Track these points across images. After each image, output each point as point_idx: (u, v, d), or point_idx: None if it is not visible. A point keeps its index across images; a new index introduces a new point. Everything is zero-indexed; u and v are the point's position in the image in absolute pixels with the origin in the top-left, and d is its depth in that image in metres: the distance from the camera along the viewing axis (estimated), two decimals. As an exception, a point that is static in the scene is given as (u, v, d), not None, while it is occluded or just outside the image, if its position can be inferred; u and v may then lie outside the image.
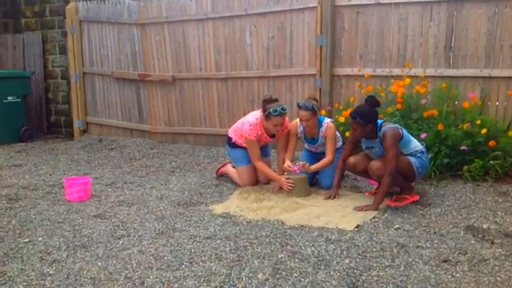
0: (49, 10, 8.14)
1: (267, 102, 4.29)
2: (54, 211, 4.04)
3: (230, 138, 4.70)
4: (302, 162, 4.33)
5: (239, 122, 4.67)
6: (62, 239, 3.39)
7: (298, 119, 4.44)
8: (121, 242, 3.30)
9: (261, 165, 4.47)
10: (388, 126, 3.88)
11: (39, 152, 6.77)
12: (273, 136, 4.51)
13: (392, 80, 5.09)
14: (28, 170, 5.66)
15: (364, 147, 4.12)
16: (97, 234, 3.48)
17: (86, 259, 3.04)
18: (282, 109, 4.24)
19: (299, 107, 4.30)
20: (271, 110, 4.22)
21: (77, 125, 7.50)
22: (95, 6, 7.15)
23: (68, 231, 3.54)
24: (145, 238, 3.37)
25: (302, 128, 4.46)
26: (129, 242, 3.30)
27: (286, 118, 4.42)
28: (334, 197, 4.17)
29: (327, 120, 4.46)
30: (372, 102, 3.92)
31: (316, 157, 4.56)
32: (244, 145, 4.56)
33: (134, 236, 3.41)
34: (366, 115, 3.88)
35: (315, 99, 4.51)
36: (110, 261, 3.00)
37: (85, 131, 7.53)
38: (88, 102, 7.49)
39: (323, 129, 4.40)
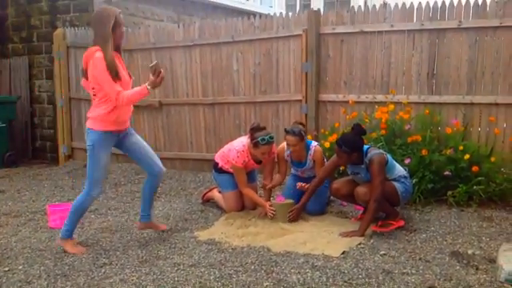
0: (36, 35, 8.16)
1: (255, 130, 4.30)
2: (35, 238, 3.97)
3: (216, 164, 4.69)
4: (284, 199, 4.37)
5: (226, 148, 4.68)
6: (42, 268, 3.33)
7: (284, 143, 4.46)
8: (103, 271, 3.24)
9: (247, 191, 4.45)
10: (374, 153, 3.91)
11: (23, 178, 6.69)
12: (259, 162, 4.52)
13: (376, 106, 5.15)
14: (11, 196, 5.57)
15: (349, 172, 4.14)
16: (78, 262, 3.41)
17: (66, 288, 2.98)
18: (270, 137, 4.27)
19: (286, 132, 4.33)
20: (259, 138, 4.22)
21: (62, 150, 7.44)
22: (83, 31, 7.19)
23: (49, 259, 3.48)
24: (127, 266, 3.31)
25: (288, 152, 4.47)
26: (111, 271, 3.24)
27: (274, 145, 4.44)
28: (295, 216, 4.18)
29: (314, 144, 4.49)
30: (358, 130, 3.96)
31: (302, 182, 4.56)
32: (230, 170, 4.55)
33: (117, 264, 3.35)
34: (352, 143, 3.91)
35: (302, 124, 4.56)
36: (91, 290, 2.94)
37: (70, 157, 7.46)
38: (74, 127, 7.44)
39: (311, 152, 4.43)
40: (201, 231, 4.06)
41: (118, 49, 3.59)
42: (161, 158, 6.52)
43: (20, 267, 3.34)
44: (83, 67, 3.51)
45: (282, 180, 4.64)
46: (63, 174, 6.75)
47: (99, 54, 3.37)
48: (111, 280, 3.08)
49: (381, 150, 4.01)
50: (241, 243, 3.72)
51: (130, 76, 3.66)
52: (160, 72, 3.42)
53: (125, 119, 3.63)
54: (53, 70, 7.60)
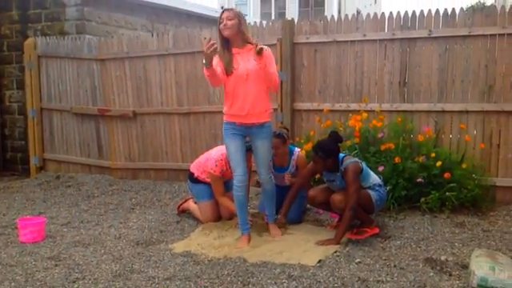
0: (6, 45, 7.98)
1: None
2: (5, 254, 3.86)
3: (192, 174, 4.65)
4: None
5: (202, 158, 4.65)
6: (13, 284, 3.24)
7: None
8: (75, 286, 3.17)
9: (224, 200, 4.42)
10: (349, 161, 3.94)
11: (-7, 190, 6.51)
12: None
13: (350, 114, 5.21)
14: (-21, 210, 5.42)
15: (325, 180, 4.16)
16: (50, 277, 3.33)
17: (37, 305, 2.90)
18: (248, 146, 4.26)
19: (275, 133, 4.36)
20: None
21: (33, 162, 7.27)
22: (54, 41, 7.07)
23: (20, 275, 3.39)
24: (101, 281, 3.25)
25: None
26: (84, 286, 3.17)
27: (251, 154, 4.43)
28: (281, 224, 4.20)
29: (298, 149, 4.54)
30: (334, 137, 4.01)
31: (280, 192, 4.56)
32: (206, 180, 4.53)
33: (90, 279, 3.28)
34: (328, 150, 3.95)
35: (286, 128, 4.62)
36: (63, 306, 2.87)
37: (42, 168, 7.30)
38: (46, 138, 7.30)
39: (294, 157, 4.47)
40: (176, 243, 4.01)
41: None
42: (135, 169, 6.62)
43: (-11, 284, 3.25)
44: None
45: None
46: (35, 186, 6.59)
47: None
48: (84, 295, 3.02)
49: (356, 159, 4.05)
50: (217, 254, 3.69)
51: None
52: (209, 41, 3.44)
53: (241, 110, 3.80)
54: (24, 80, 7.45)
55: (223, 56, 3.72)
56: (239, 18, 3.72)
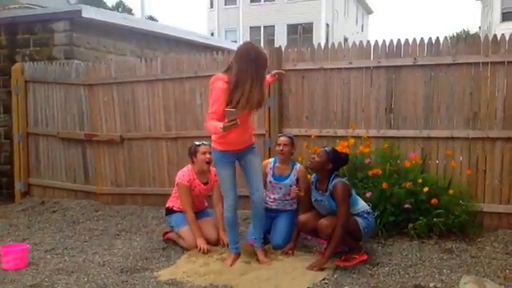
0: (-7, 69, 7.96)
1: (191, 146, 4.69)
2: (-14, 282, 3.76)
3: (167, 208, 4.74)
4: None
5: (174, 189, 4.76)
6: (-8, 314, 3.14)
7: (269, 159, 4.77)
8: (57, 315, 3.09)
9: (191, 215, 4.50)
10: (339, 180, 3.97)
11: (-25, 216, 6.37)
12: (206, 183, 4.60)
13: (337, 140, 5.23)
14: (-39, 236, 5.29)
15: (313, 200, 4.14)
16: (31, 306, 3.24)
17: (17, 336, 2.82)
18: (206, 142, 4.55)
19: (280, 136, 4.70)
20: (196, 143, 4.65)
21: (18, 187, 7.16)
22: (42, 66, 7.06)
23: (0, 304, 3.29)
24: (83, 309, 3.17)
25: (272, 164, 4.62)
26: (66, 315, 3.09)
27: (213, 169, 4.50)
28: (291, 250, 4.22)
29: (299, 164, 4.67)
30: (346, 158, 4.18)
31: (270, 219, 4.55)
32: (180, 209, 4.61)
33: (72, 308, 3.20)
34: (337, 155, 4.08)
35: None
36: (43, 337, 2.79)
37: (26, 193, 7.19)
38: (31, 162, 7.21)
39: (296, 167, 4.59)
40: (162, 270, 3.95)
41: None
42: (121, 194, 6.54)
43: (-33, 314, 3.15)
44: None
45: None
46: (19, 211, 6.48)
47: None
48: (66, 325, 2.94)
49: (345, 180, 4.07)
50: (203, 282, 3.64)
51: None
52: (235, 120, 3.44)
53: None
54: (10, 104, 7.40)
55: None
56: None
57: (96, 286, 3.62)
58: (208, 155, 4.49)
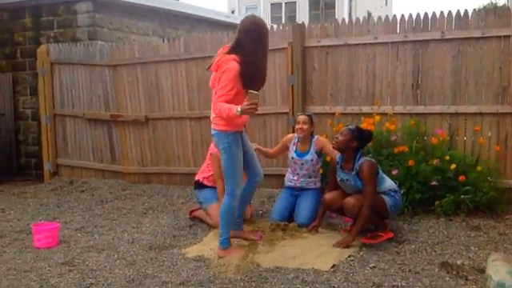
0: (20, 52, 8.09)
1: None
2: (20, 259, 3.89)
3: (197, 181, 4.71)
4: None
5: (205, 163, 4.76)
6: (27, 289, 3.25)
7: (293, 134, 4.77)
8: (89, 291, 3.18)
9: (221, 188, 4.35)
10: (365, 159, 3.94)
11: (7, 196, 6.57)
12: None
13: (362, 117, 5.17)
14: (-5, 215, 5.47)
15: (339, 179, 4.13)
16: (64, 283, 3.35)
17: (52, 311, 2.92)
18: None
19: (299, 114, 4.73)
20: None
21: (47, 167, 7.33)
22: (67, 48, 7.14)
23: (34, 281, 3.41)
24: (114, 286, 3.26)
25: (296, 139, 4.66)
26: (98, 291, 3.18)
27: None
28: (316, 227, 4.23)
29: (317, 135, 4.71)
30: (370, 135, 4.17)
31: (294, 198, 4.58)
32: (211, 184, 4.62)
33: (103, 284, 3.29)
34: (361, 132, 4.06)
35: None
36: (77, 312, 2.88)
37: (55, 173, 7.36)
38: (59, 143, 7.36)
39: (314, 139, 4.64)
40: (189, 248, 4.01)
41: None
42: (147, 174, 6.63)
43: (4, 290, 3.27)
44: None
45: (272, 155, 4.91)
46: (48, 191, 6.65)
47: None
48: (98, 301, 3.03)
49: (372, 159, 4.03)
50: (230, 259, 3.68)
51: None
52: (256, 104, 3.38)
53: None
54: (37, 86, 7.53)
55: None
56: None
57: (126, 262, 3.71)
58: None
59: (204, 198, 4.66)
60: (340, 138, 4.01)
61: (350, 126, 4.08)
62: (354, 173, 3.95)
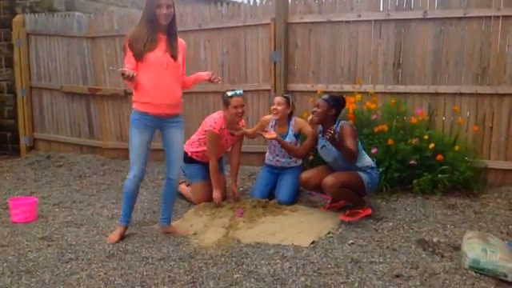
0: (-6, 21, 7.82)
1: (225, 91, 4.44)
2: (-3, 234, 3.83)
3: (185, 153, 4.61)
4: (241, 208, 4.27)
5: (195, 135, 4.67)
6: (5, 264, 3.22)
7: (270, 116, 4.65)
8: (68, 266, 3.16)
9: (215, 164, 4.41)
10: (344, 122, 4.06)
11: (-18, 170, 6.43)
12: (233, 134, 4.51)
13: (343, 96, 5.17)
14: (-31, 189, 5.36)
15: (320, 147, 4.15)
16: (43, 257, 3.32)
17: (31, 285, 2.90)
18: (239, 92, 4.37)
19: (276, 96, 4.68)
20: (228, 93, 4.34)
21: (23, 141, 7.19)
22: (43, 18, 6.93)
23: (12, 255, 3.37)
24: (94, 261, 3.24)
25: (273, 122, 4.61)
26: (77, 266, 3.16)
27: (243, 121, 4.53)
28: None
29: (295, 117, 4.66)
30: (343, 101, 4.18)
31: (275, 175, 4.60)
32: (199, 159, 4.55)
33: (83, 259, 3.27)
34: (337, 100, 4.08)
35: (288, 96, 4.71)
36: (56, 286, 2.87)
37: (32, 148, 7.22)
38: (35, 117, 7.21)
39: (292, 121, 4.58)
40: (169, 224, 4.00)
41: (165, 30, 3.46)
42: (127, 149, 6.45)
43: (-19, 265, 3.22)
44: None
45: (252, 136, 4.75)
46: (25, 165, 6.53)
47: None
48: (77, 276, 3.01)
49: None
50: (210, 235, 3.69)
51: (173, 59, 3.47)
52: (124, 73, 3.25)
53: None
54: (12, 57, 7.31)
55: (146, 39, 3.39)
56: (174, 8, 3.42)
57: (106, 238, 3.68)
58: (240, 109, 4.31)
59: (190, 173, 4.62)
60: (318, 110, 4.03)
61: (323, 97, 4.09)
62: (336, 136, 3.97)
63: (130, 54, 3.42)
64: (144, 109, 3.46)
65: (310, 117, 4.17)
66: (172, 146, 3.62)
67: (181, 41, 3.62)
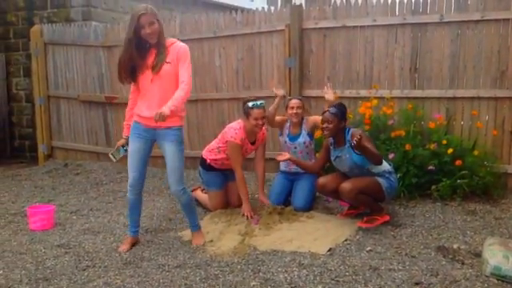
0: (13, 32, 7.96)
1: (246, 101, 4.38)
2: (15, 241, 3.87)
3: (204, 160, 4.61)
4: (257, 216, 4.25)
5: (215, 141, 4.63)
6: (23, 272, 3.25)
7: (280, 116, 4.63)
8: (86, 274, 3.17)
9: (241, 174, 4.33)
10: (354, 129, 4.04)
11: (1, 178, 6.52)
12: (253, 143, 4.48)
13: (360, 101, 5.15)
14: (-11, 197, 5.43)
15: (333, 158, 4.11)
16: (60, 265, 3.34)
17: (48, 293, 2.91)
18: (260, 103, 4.32)
19: (290, 99, 4.62)
20: (250, 104, 4.29)
21: (41, 149, 7.28)
22: (61, 28, 7.03)
23: (30, 263, 3.39)
24: (111, 268, 3.25)
25: (288, 123, 4.60)
26: (94, 274, 3.17)
27: (264, 128, 4.46)
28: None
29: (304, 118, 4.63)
30: (344, 105, 4.15)
31: (290, 182, 4.58)
32: (218, 166, 4.53)
33: (100, 267, 3.28)
34: (340, 108, 4.03)
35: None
36: (74, 294, 2.88)
37: (50, 156, 7.31)
38: (53, 125, 7.29)
39: (304, 121, 4.57)
40: (186, 231, 3.99)
41: (155, 46, 3.50)
42: None
43: (0, 272, 3.25)
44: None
45: (272, 121, 4.58)
46: (43, 173, 6.60)
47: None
48: (94, 283, 3.02)
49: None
50: (227, 242, 3.68)
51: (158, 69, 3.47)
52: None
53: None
54: (30, 67, 7.43)
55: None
56: (158, 20, 3.47)
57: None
58: (260, 121, 4.25)
59: (208, 180, 4.60)
60: (329, 126, 3.98)
61: (330, 111, 4.00)
62: (347, 145, 3.94)
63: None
64: (136, 119, 3.59)
65: (322, 133, 4.13)
66: (166, 159, 3.55)
67: (178, 45, 3.54)
